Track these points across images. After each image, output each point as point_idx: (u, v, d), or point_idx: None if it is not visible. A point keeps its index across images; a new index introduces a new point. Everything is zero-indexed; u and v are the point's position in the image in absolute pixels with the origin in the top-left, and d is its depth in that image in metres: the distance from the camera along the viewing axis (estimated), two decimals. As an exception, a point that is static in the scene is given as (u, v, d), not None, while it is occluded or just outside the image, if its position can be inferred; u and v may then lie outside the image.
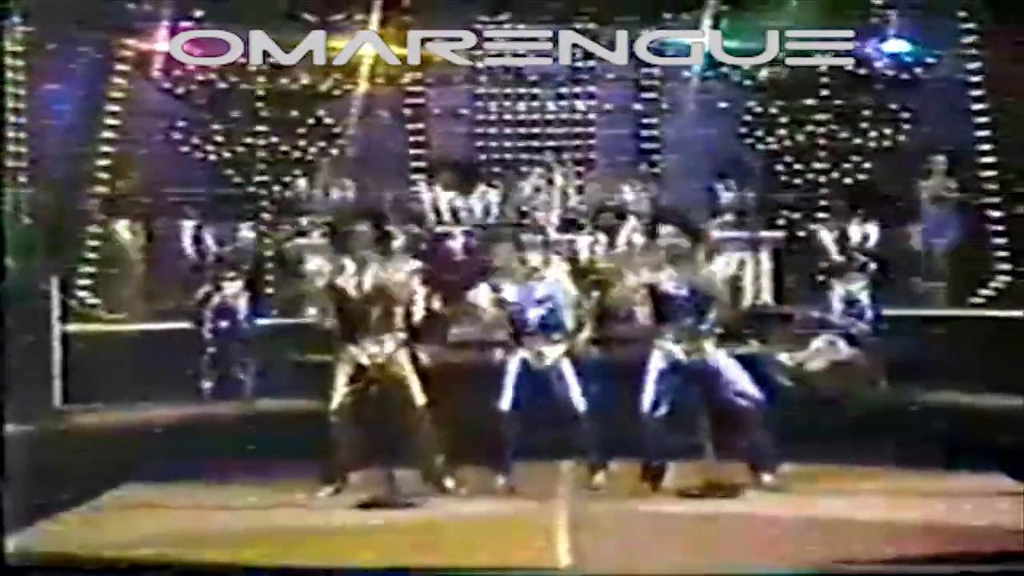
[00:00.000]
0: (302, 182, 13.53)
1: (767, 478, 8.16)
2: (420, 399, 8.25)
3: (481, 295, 8.70)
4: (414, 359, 8.35)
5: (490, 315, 8.67)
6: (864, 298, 11.46)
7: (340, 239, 8.35)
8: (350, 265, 8.19)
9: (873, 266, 11.74)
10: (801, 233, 13.56)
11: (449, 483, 8.27)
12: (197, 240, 11.47)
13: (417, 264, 8.55)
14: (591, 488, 8.35)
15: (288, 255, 12.70)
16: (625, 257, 11.86)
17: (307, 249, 12.65)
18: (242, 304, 11.45)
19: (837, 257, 11.68)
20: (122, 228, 12.67)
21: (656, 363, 8.21)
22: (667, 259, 8.19)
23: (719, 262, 8.36)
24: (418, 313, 8.35)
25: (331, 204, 13.19)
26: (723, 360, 8.23)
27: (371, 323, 8.17)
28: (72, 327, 10.81)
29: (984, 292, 12.51)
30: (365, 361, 8.19)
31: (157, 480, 8.62)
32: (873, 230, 11.75)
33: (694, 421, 8.21)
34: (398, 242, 9.92)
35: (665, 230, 8.27)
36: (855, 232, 11.74)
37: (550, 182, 13.53)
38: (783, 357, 10.78)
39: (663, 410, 8.17)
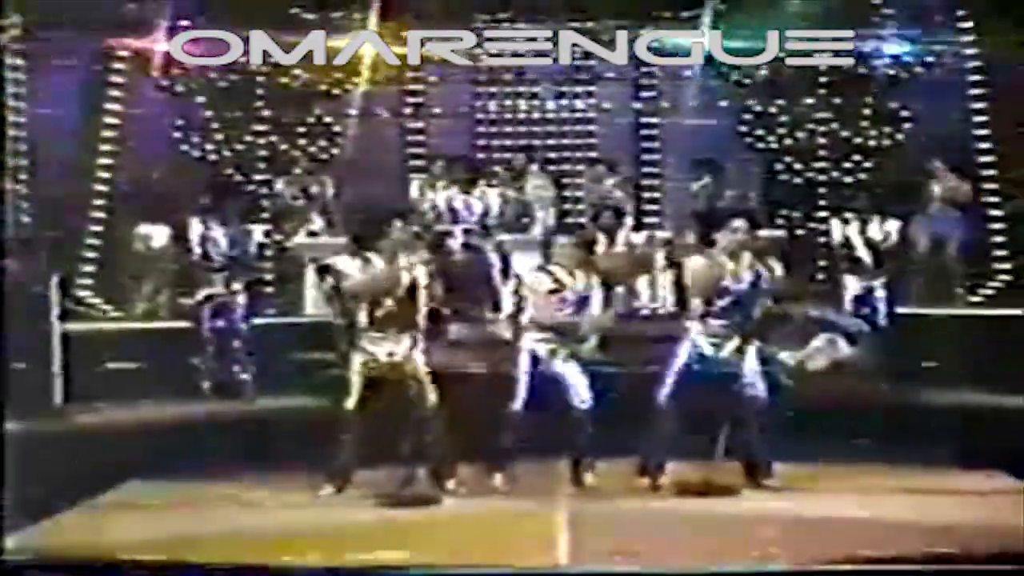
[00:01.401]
0: (280, 182, 13.50)
1: (766, 481, 8.17)
2: (433, 397, 8.26)
3: (540, 281, 8.60)
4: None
5: (538, 303, 8.57)
6: (880, 295, 11.48)
7: (367, 238, 8.34)
8: (376, 263, 8.19)
9: (890, 263, 11.75)
10: (800, 232, 13.59)
11: (450, 483, 8.26)
12: (203, 240, 11.46)
13: (428, 257, 8.56)
14: (582, 488, 8.34)
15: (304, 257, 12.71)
16: (627, 256, 11.86)
17: (308, 249, 12.65)
18: (242, 303, 11.44)
19: (860, 253, 11.65)
20: (146, 229, 12.66)
21: (687, 357, 8.24)
22: (729, 253, 8.23)
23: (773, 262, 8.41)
24: (436, 307, 8.36)
25: (311, 203, 13.17)
26: (751, 360, 8.25)
27: (391, 321, 8.17)
28: (72, 327, 10.80)
29: (984, 291, 12.50)
30: (383, 359, 8.19)
31: (157, 479, 8.63)
32: (893, 227, 11.76)
33: (705, 419, 8.23)
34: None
35: (736, 224, 8.29)
36: (875, 229, 11.75)
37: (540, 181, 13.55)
38: (784, 356, 10.77)
39: (682, 406, 8.20)
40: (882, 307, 11.44)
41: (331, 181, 13.31)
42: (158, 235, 12.51)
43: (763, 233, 12.59)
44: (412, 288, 8.22)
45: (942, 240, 12.62)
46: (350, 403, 8.21)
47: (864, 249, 11.62)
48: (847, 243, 11.74)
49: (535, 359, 8.45)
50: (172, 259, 12.38)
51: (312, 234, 12.83)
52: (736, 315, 8.24)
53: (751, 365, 8.28)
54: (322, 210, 13.11)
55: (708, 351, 8.26)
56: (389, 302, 8.17)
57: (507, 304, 8.82)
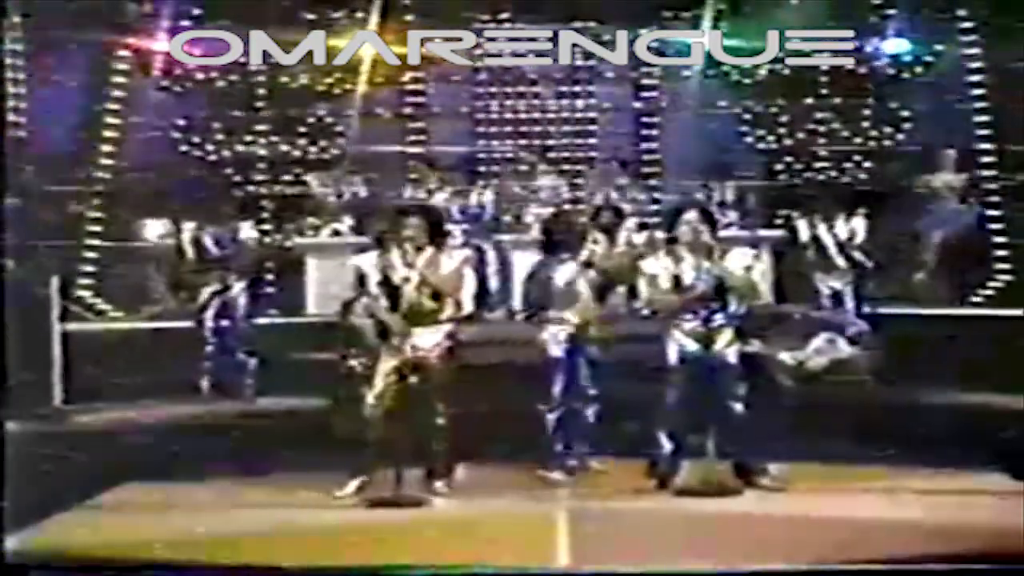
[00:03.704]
0: (313, 181, 13.52)
1: (761, 481, 8.15)
2: (443, 396, 8.22)
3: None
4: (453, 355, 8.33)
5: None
6: (848, 294, 11.49)
7: (389, 234, 8.29)
8: (399, 259, 8.16)
9: (861, 262, 11.76)
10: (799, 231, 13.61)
11: (439, 485, 8.22)
12: (198, 241, 11.48)
13: (467, 253, 8.51)
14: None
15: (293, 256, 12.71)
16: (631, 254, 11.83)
17: (309, 248, 12.65)
18: (243, 303, 11.45)
19: (831, 253, 11.68)
20: (151, 227, 12.66)
21: (672, 356, 8.21)
22: (688, 248, 8.18)
23: (735, 254, 8.33)
24: (466, 305, 8.30)
25: (343, 203, 13.19)
26: (732, 358, 8.21)
27: (420, 317, 8.15)
28: (72, 327, 10.80)
29: (984, 291, 12.49)
30: (408, 354, 8.15)
31: (157, 480, 8.63)
32: (860, 226, 11.76)
33: (698, 418, 8.21)
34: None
35: (688, 216, 8.24)
36: (841, 228, 11.76)
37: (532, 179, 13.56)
38: (784, 356, 10.77)
39: (677, 406, 8.17)
40: (851, 305, 11.46)
41: (362, 181, 13.33)
42: (166, 233, 12.54)
43: (763, 233, 12.81)
44: (448, 282, 8.18)
45: (944, 236, 12.63)
46: (371, 398, 8.18)
47: (834, 248, 11.64)
48: (816, 242, 11.79)
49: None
50: (177, 257, 12.40)
51: (336, 233, 12.83)
52: (715, 311, 8.20)
53: (735, 362, 8.23)
54: (353, 210, 13.10)
55: (692, 348, 8.23)
56: (416, 296, 8.15)
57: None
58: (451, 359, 8.27)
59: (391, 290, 8.14)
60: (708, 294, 8.14)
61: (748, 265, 8.33)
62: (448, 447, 8.23)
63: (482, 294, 11.71)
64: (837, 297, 11.54)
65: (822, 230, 11.74)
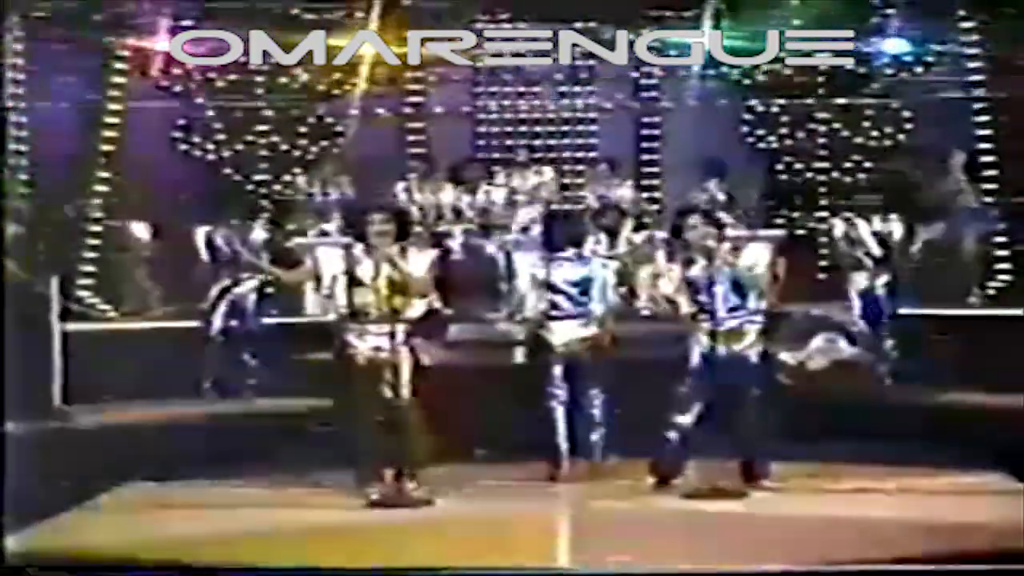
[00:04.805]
0: (301, 180, 13.52)
1: (763, 481, 8.15)
2: (406, 395, 8.19)
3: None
4: (414, 355, 8.33)
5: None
6: (883, 294, 11.47)
7: (356, 231, 8.31)
8: (364, 256, 8.16)
9: (894, 262, 11.74)
10: (801, 232, 13.60)
11: (412, 485, 8.16)
12: (210, 242, 11.50)
13: (433, 254, 8.53)
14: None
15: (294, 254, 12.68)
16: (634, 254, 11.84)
17: (306, 248, 12.63)
18: (251, 303, 11.45)
19: (872, 251, 11.66)
20: (138, 229, 12.65)
21: (693, 357, 8.19)
22: (697, 250, 8.18)
23: (747, 254, 8.34)
24: (423, 307, 8.28)
25: (330, 202, 13.19)
26: (754, 358, 8.21)
27: (380, 315, 8.13)
28: (72, 327, 10.79)
29: (984, 291, 12.47)
30: (369, 354, 8.14)
31: (157, 480, 8.63)
32: (897, 226, 11.75)
33: (704, 419, 8.22)
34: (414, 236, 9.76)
35: (693, 220, 8.24)
36: (879, 227, 11.75)
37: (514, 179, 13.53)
38: (784, 356, 10.77)
39: (698, 407, 8.16)
40: (886, 305, 11.43)
41: (348, 180, 13.31)
42: (139, 233, 12.54)
43: (763, 232, 12.79)
44: (413, 282, 8.17)
45: (959, 237, 12.59)
46: (347, 399, 8.18)
47: (875, 246, 11.61)
48: (850, 241, 11.74)
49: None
50: (159, 256, 12.41)
51: (324, 234, 12.81)
52: (729, 311, 8.19)
53: (753, 362, 8.24)
54: (341, 209, 13.09)
55: (705, 347, 8.21)
56: (373, 294, 8.13)
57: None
58: (417, 357, 8.27)
59: (355, 286, 8.15)
60: (721, 294, 8.15)
61: (771, 262, 8.38)
62: (420, 447, 8.16)
63: (482, 294, 11.82)
64: (870, 296, 11.50)
65: (862, 228, 11.71)
